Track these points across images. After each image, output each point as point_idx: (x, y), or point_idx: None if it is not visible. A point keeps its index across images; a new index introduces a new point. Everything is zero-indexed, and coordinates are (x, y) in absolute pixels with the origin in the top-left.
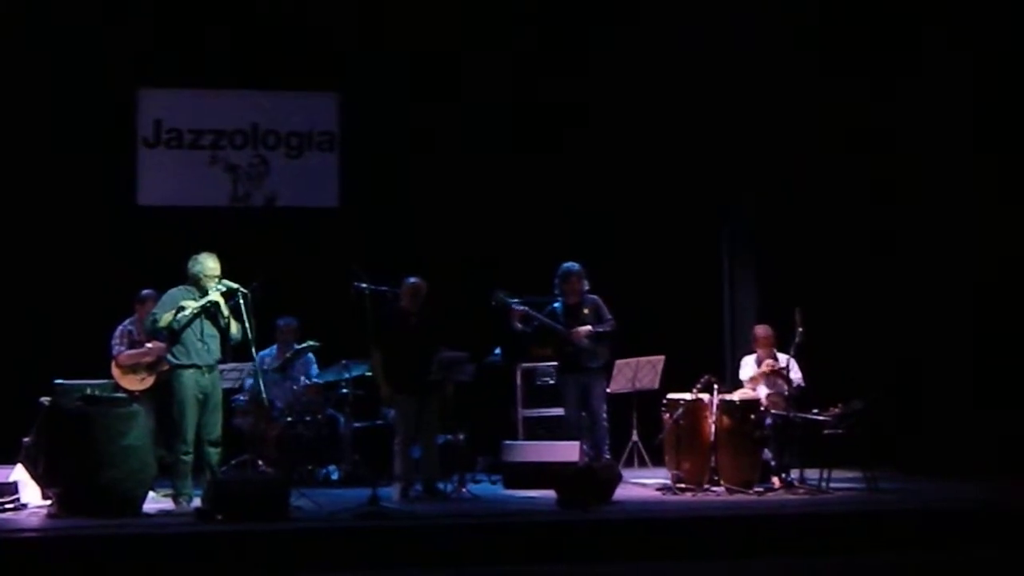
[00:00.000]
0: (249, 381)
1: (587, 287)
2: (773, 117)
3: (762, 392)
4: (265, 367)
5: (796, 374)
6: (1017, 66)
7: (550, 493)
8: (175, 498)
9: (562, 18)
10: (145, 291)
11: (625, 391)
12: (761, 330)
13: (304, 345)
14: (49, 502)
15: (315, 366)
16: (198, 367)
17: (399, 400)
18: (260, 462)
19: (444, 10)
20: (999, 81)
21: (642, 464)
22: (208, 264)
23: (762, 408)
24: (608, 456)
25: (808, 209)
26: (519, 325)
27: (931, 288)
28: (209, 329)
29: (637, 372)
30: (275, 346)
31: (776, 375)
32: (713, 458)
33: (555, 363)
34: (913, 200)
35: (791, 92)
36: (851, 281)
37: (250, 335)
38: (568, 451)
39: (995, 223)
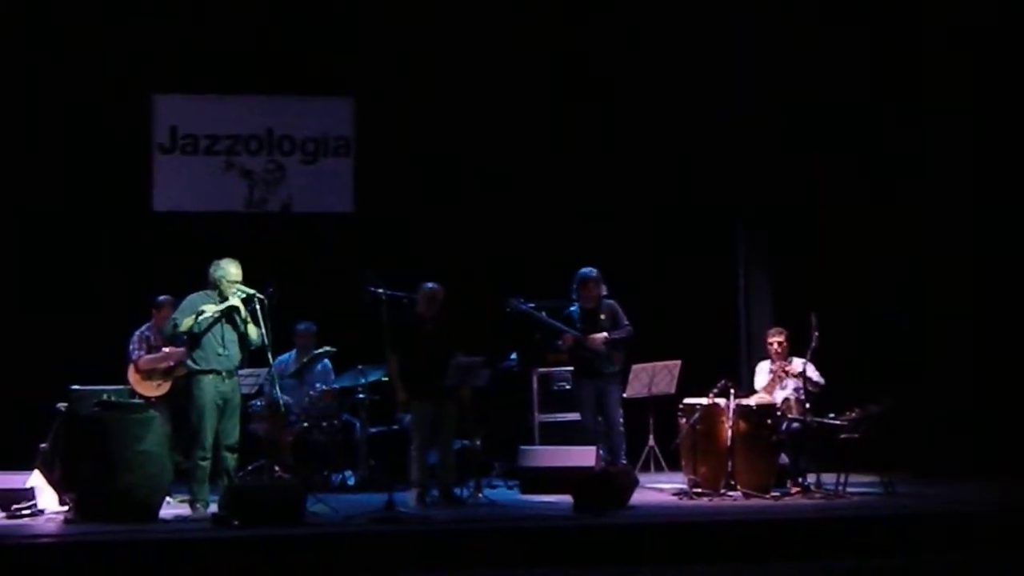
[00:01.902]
0: (266, 386)
1: (604, 292)
2: (787, 121)
3: (779, 397)
4: (284, 372)
5: (815, 374)
6: (1017, 65)
7: (566, 498)
8: (192, 503)
9: (573, 18)
10: (162, 297)
11: (641, 396)
12: (774, 334)
13: (320, 351)
14: (66, 508)
15: (332, 372)
16: (218, 372)
17: (415, 405)
18: (276, 468)
19: (458, 12)
20: (1000, 79)
21: (658, 469)
22: (230, 270)
23: (778, 412)
24: (624, 461)
25: (823, 213)
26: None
27: (943, 290)
28: (229, 334)
29: (653, 377)
30: (293, 351)
31: (792, 377)
32: (729, 463)
33: (571, 368)
34: (920, 201)
35: (804, 95)
36: (866, 285)
37: (266, 341)
38: (584, 456)
39: (997, 223)
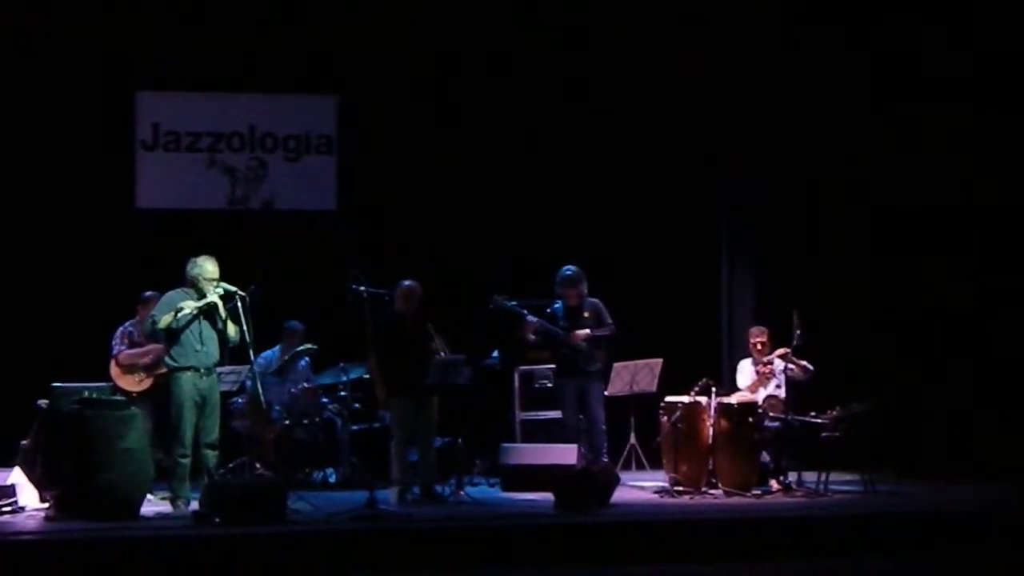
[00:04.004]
0: (248, 384)
1: (586, 290)
2: (773, 118)
3: (761, 394)
4: (270, 367)
5: (802, 361)
6: (1017, 61)
7: (548, 496)
8: (173, 501)
9: (557, 16)
10: (147, 292)
11: (623, 394)
12: (756, 333)
13: (301, 348)
14: (47, 505)
15: (311, 370)
16: (196, 370)
17: (394, 403)
18: (258, 465)
19: (441, 11)
20: (998, 77)
21: (640, 467)
22: (207, 267)
23: (760, 410)
24: (606, 459)
25: (807, 211)
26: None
27: (929, 289)
28: (208, 331)
29: (635, 375)
30: (278, 347)
31: (780, 360)
32: (711, 461)
33: (553, 366)
34: (909, 200)
35: (793, 93)
36: (849, 283)
37: (248, 338)
38: (566, 454)
39: (994, 222)
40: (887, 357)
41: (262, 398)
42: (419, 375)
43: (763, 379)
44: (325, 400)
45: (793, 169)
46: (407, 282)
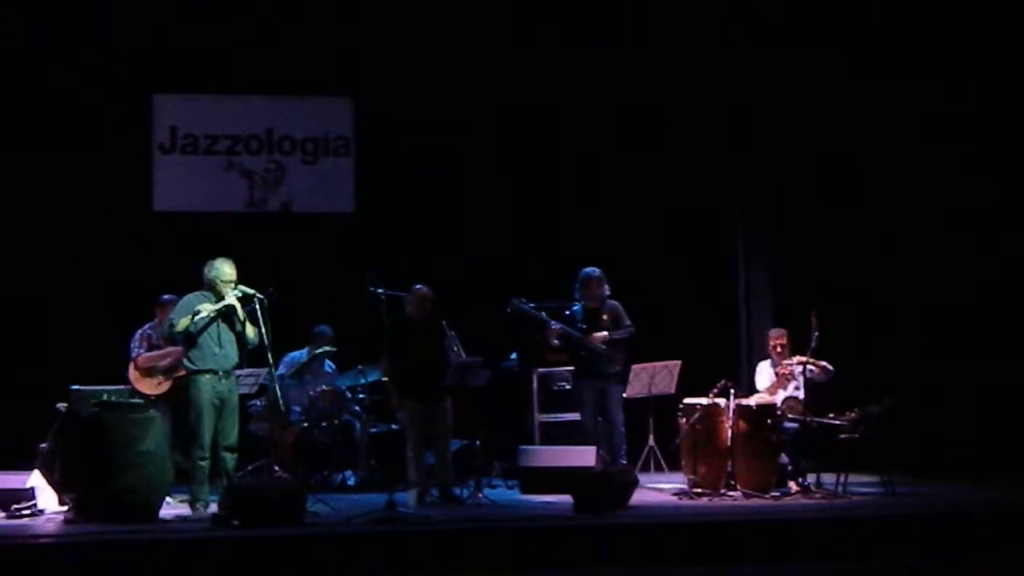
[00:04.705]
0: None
1: (607, 292)
2: (789, 120)
3: (780, 396)
4: (293, 370)
5: (821, 362)
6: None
7: (566, 498)
8: (191, 504)
9: (567, 18)
10: (166, 296)
11: (641, 396)
12: (775, 336)
13: (320, 351)
14: (66, 508)
15: (336, 374)
16: (215, 372)
17: (406, 406)
18: (276, 467)
19: (457, 11)
20: (1001, 77)
21: (658, 469)
22: (224, 269)
23: (779, 412)
24: (624, 461)
25: (824, 213)
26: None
27: (945, 290)
28: (226, 334)
29: (653, 377)
30: (306, 349)
31: (801, 364)
32: (730, 463)
33: (571, 368)
34: (919, 202)
35: (807, 94)
36: (867, 285)
37: (266, 340)
38: (584, 456)
39: (997, 223)
40: (905, 358)
41: (280, 401)
42: (430, 379)
43: (782, 381)
44: (356, 407)
45: (805, 169)
46: (419, 287)
